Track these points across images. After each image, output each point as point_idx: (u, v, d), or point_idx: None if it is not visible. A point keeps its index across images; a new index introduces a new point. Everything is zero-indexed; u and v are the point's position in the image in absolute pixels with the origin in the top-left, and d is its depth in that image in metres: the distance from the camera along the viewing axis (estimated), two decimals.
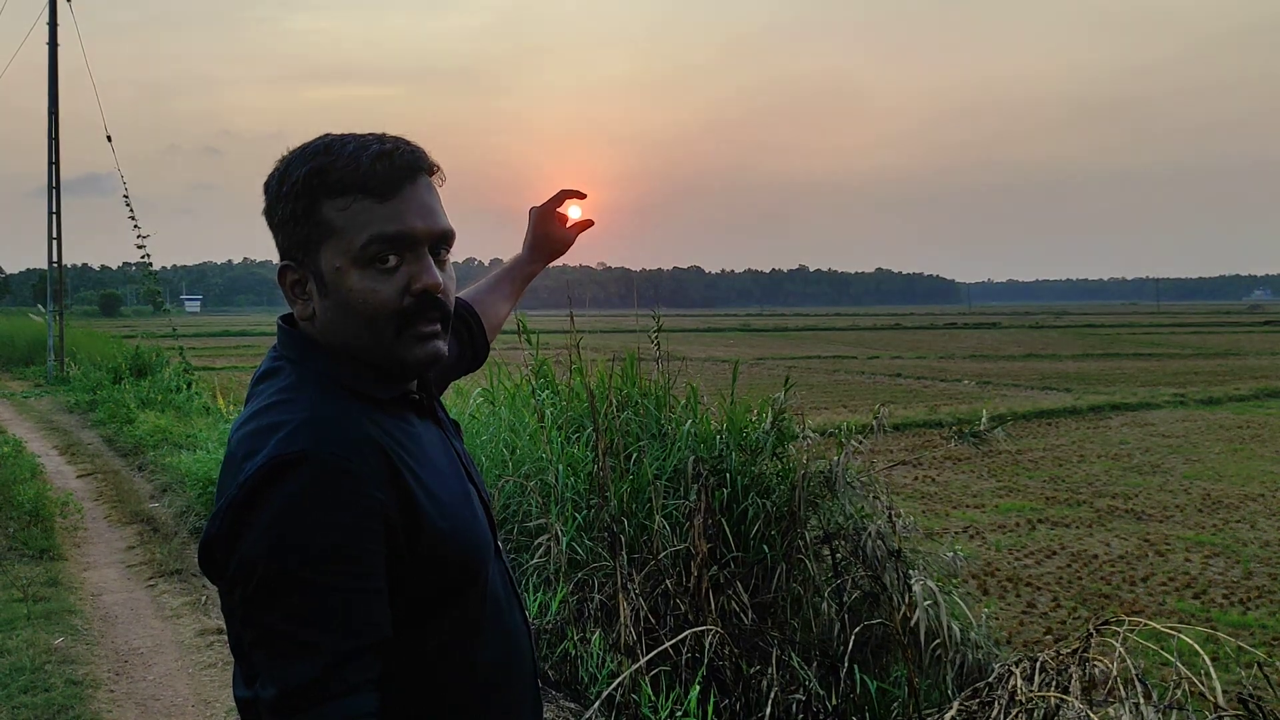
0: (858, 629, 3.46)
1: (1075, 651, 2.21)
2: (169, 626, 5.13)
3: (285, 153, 1.17)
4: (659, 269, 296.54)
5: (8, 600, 5.44)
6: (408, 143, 1.17)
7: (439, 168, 1.21)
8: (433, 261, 1.16)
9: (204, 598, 5.49)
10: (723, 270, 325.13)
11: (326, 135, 1.16)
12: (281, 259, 1.17)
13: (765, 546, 4.40)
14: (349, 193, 1.11)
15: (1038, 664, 2.17)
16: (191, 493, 7.67)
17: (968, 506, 8.92)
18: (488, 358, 1.72)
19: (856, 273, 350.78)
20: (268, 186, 1.17)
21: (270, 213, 1.17)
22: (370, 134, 1.16)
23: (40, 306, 21.47)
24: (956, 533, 7.90)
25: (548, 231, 1.78)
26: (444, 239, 1.18)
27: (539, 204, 1.78)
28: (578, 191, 1.78)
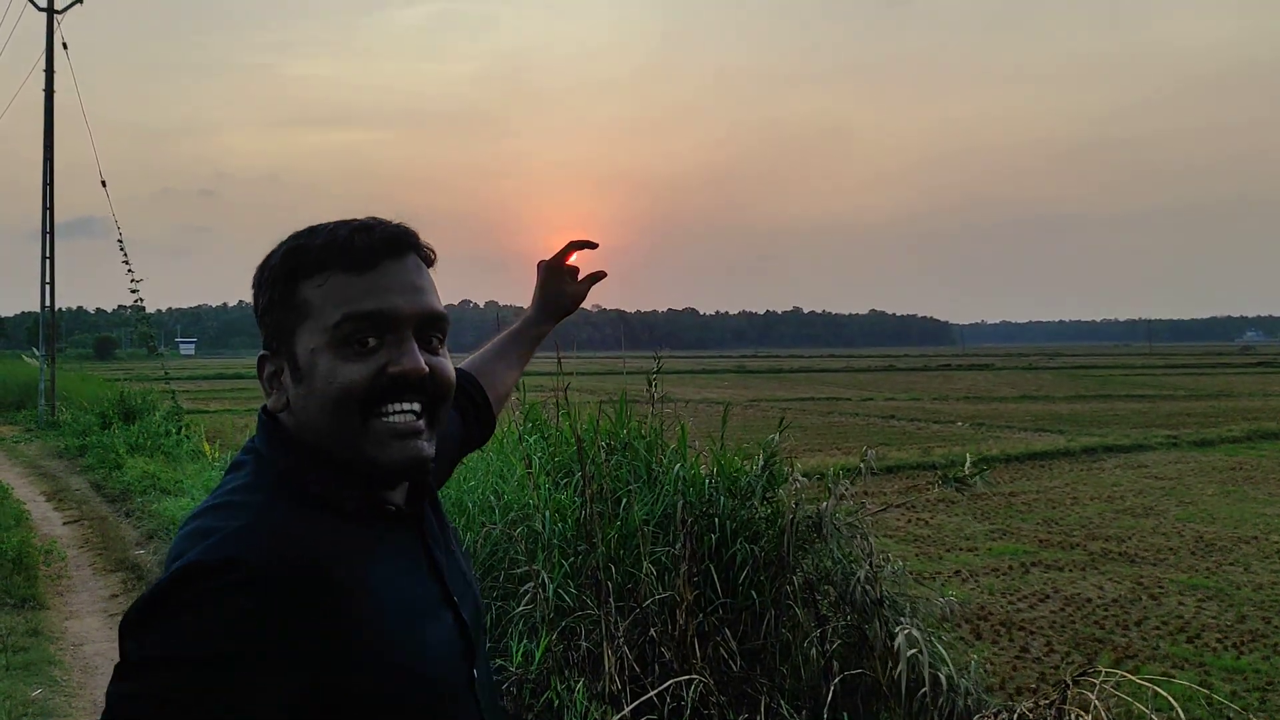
0: (838, 679, 3.43)
1: (1052, 703, 2.19)
2: None
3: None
4: (654, 310, 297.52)
5: None
6: (397, 223, 1.07)
7: (433, 252, 1.10)
8: (416, 347, 1.03)
9: None
10: (717, 312, 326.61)
11: (317, 224, 1.08)
12: (263, 349, 1.08)
13: (754, 592, 4.37)
14: (325, 268, 1.02)
15: (1015, 716, 2.14)
16: None
17: (960, 549, 8.87)
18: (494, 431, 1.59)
19: (850, 314, 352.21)
20: (254, 279, 1.08)
21: (255, 305, 1.08)
22: (362, 217, 1.07)
23: (34, 350, 21.44)
24: (949, 576, 7.85)
25: (558, 287, 1.65)
26: (433, 322, 1.06)
27: (546, 258, 1.64)
28: (588, 242, 1.64)
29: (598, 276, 1.69)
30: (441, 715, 1.03)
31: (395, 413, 1.02)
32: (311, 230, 1.06)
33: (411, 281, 1.04)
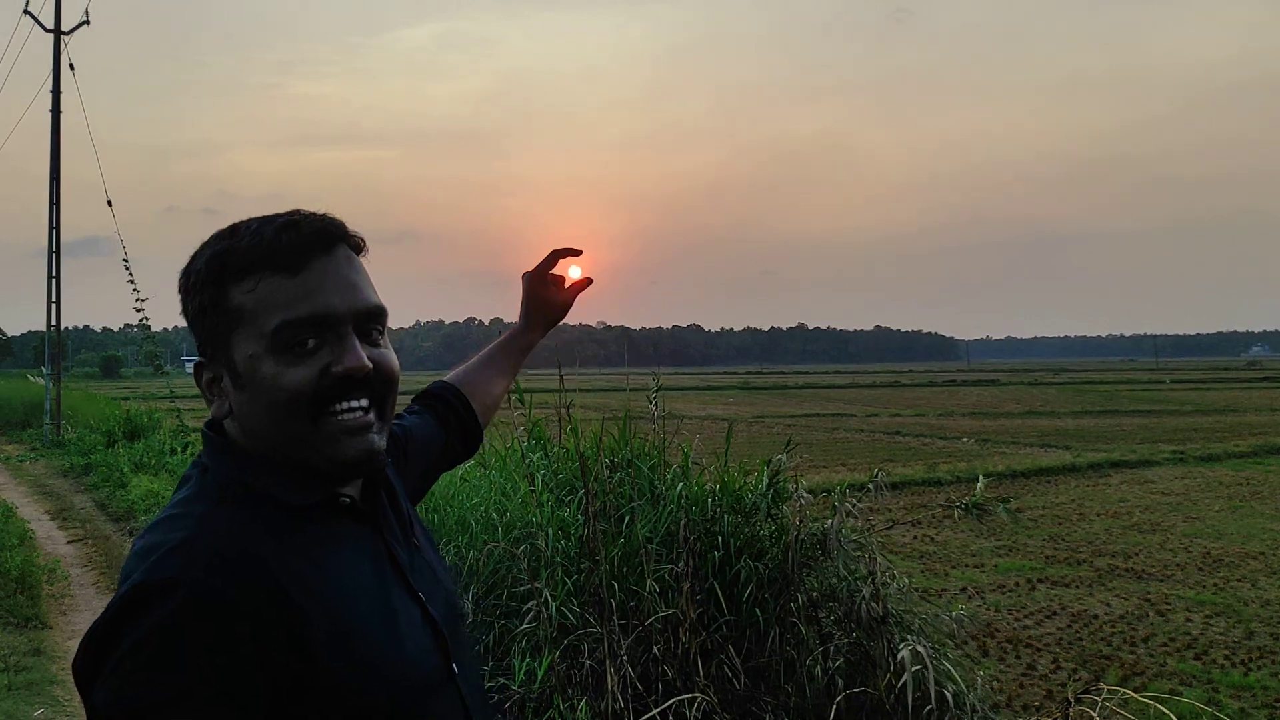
0: (842, 697, 3.41)
1: None
2: None
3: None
4: (659, 327, 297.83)
5: None
6: (322, 214, 1.04)
7: (363, 241, 1.07)
8: (357, 342, 1.01)
9: None
10: (722, 328, 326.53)
11: (239, 222, 1.05)
12: (199, 357, 1.06)
13: (758, 610, 4.36)
14: (255, 271, 0.99)
15: None
16: None
17: (967, 566, 8.83)
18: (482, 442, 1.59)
19: (855, 330, 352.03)
20: (179, 284, 1.05)
21: (184, 310, 1.05)
22: (284, 212, 1.04)
23: (40, 368, 21.52)
24: (956, 593, 7.81)
25: (544, 297, 1.65)
26: (371, 316, 1.04)
27: (530, 269, 1.65)
28: (572, 249, 1.64)
29: (584, 284, 1.69)
30: (418, 705, 1.02)
31: (344, 411, 1.01)
32: (234, 230, 1.03)
33: (345, 277, 1.02)
